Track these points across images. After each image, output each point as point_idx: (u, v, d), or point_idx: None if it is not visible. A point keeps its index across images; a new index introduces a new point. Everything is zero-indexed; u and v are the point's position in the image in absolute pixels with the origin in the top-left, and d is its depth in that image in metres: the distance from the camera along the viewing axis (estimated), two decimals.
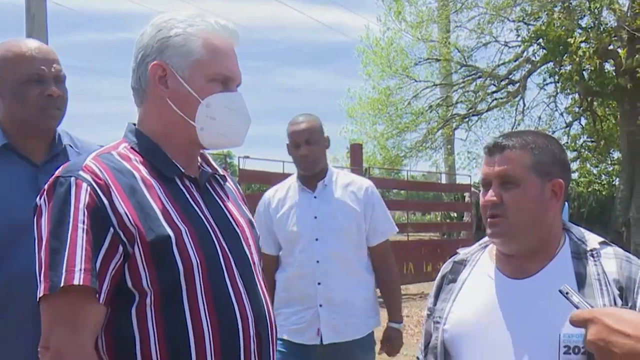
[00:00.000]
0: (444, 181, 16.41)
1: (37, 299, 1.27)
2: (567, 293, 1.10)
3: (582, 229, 1.60)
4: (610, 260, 1.49)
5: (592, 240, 1.54)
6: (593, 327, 0.97)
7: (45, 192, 1.33)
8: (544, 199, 1.51)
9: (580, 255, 1.51)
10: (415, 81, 16.81)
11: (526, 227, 1.50)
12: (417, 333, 6.75)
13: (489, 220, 1.53)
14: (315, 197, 2.93)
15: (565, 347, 1.41)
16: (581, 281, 1.46)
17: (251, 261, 1.47)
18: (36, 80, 1.83)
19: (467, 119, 16.79)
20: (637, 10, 11.80)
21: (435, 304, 1.65)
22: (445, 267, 1.70)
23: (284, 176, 8.80)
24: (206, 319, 1.32)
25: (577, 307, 1.06)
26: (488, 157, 1.55)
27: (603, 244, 1.53)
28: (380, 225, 3.00)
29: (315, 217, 2.89)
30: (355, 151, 9.84)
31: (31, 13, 12.34)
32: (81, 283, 1.23)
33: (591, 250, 1.51)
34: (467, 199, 12.72)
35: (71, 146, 1.94)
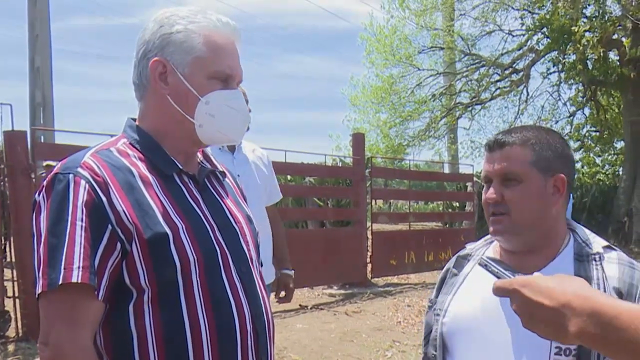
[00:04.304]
0: (446, 170, 16.41)
1: (36, 296, 1.27)
2: (485, 265, 1.08)
3: (588, 231, 1.57)
4: (612, 265, 1.47)
5: (597, 243, 1.52)
6: (515, 298, 0.97)
7: (44, 189, 1.33)
8: (547, 195, 1.50)
9: (582, 257, 1.49)
10: (419, 69, 16.78)
11: (529, 224, 1.49)
12: (418, 323, 6.78)
13: (491, 218, 1.52)
14: (234, 157, 3.29)
15: (556, 347, 1.40)
16: None
17: (249, 257, 1.47)
18: None
19: (470, 108, 16.78)
20: None
21: (437, 296, 1.66)
22: (451, 262, 1.71)
23: (288, 166, 8.83)
24: (203, 315, 1.32)
25: (498, 278, 1.04)
26: (488, 154, 1.54)
27: (607, 248, 1.51)
28: (275, 189, 3.55)
29: (239, 176, 3.09)
30: (358, 140, 9.80)
31: None
32: (79, 281, 1.24)
33: (594, 254, 1.49)
34: (469, 188, 12.71)
35: None
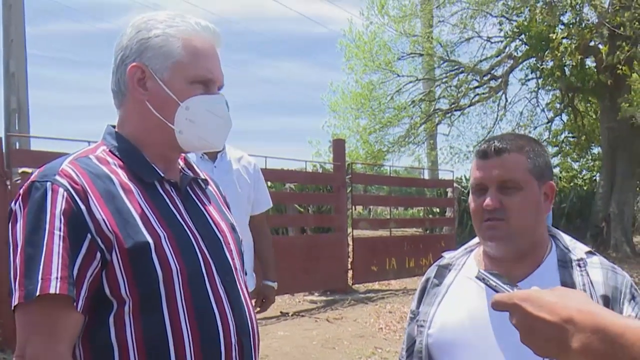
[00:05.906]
0: (426, 176, 16.47)
1: (12, 308, 1.23)
2: (483, 279, 1.07)
3: (568, 237, 1.59)
4: (596, 270, 1.48)
5: (579, 249, 1.53)
6: (514, 313, 0.94)
7: (20, 197, 1.29)
8: (540, 202, 1.51)
9: (566, 263, 1.50)
10: (398, 76, 16.82)
11: (525, 231, 1.49)
12: (399, 329, 6.76)
13: (487, 223, 1.49)
14: (215, 166, 3.21)
15: None
16: None
17: (233, 267, 1.44)
18: None
19: (449, 114, 16.85)
20: (617, 7, 11.89)
21: (418, 307, 1.64)
22: (430, 271, 1.68)
23: (269, 172, 8.78)
24: (186, 326, 1.29)
25: (496, 292, 1.02)
26: (482, 161, 1.51)
27: (589, 254, 1.53)
28: (262, 198, 3.49)
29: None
30: (338, 146, 9.80)
31: (8, 3, 12.15)
32: (57, 292, 1.19)
33: (578, 260, 1.50)
34: (449, 194, 12.76)
35: None
